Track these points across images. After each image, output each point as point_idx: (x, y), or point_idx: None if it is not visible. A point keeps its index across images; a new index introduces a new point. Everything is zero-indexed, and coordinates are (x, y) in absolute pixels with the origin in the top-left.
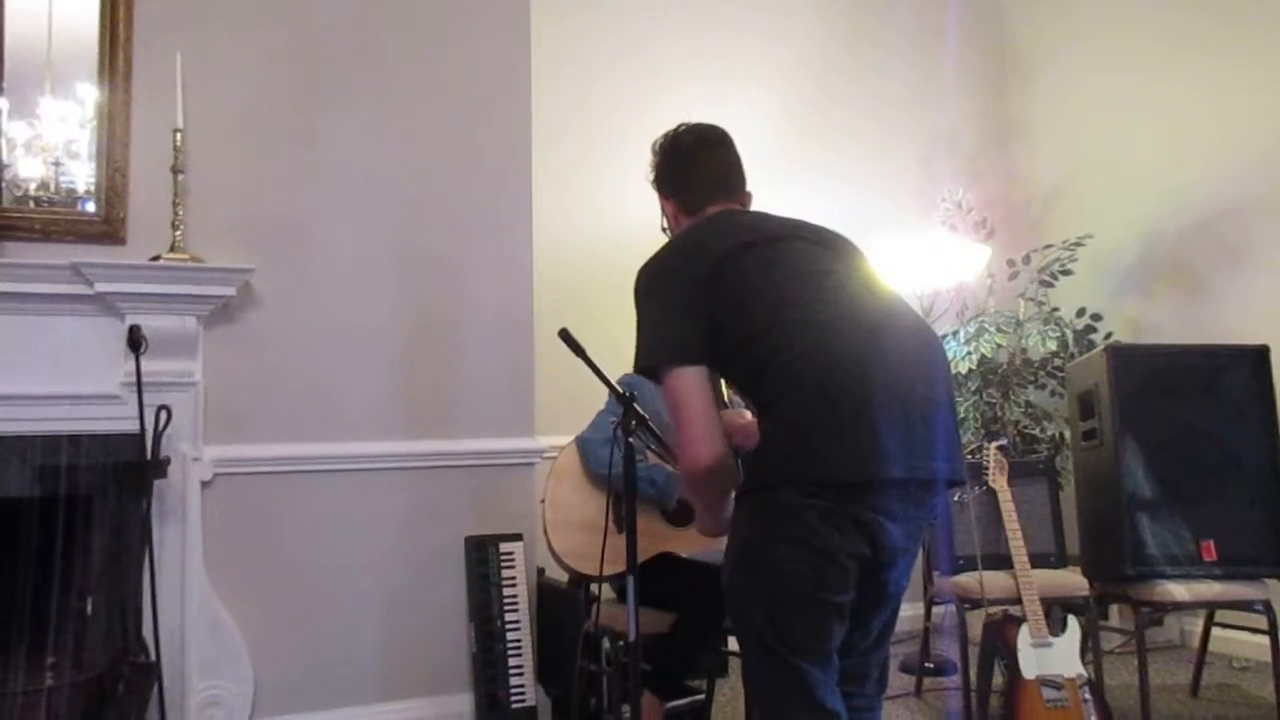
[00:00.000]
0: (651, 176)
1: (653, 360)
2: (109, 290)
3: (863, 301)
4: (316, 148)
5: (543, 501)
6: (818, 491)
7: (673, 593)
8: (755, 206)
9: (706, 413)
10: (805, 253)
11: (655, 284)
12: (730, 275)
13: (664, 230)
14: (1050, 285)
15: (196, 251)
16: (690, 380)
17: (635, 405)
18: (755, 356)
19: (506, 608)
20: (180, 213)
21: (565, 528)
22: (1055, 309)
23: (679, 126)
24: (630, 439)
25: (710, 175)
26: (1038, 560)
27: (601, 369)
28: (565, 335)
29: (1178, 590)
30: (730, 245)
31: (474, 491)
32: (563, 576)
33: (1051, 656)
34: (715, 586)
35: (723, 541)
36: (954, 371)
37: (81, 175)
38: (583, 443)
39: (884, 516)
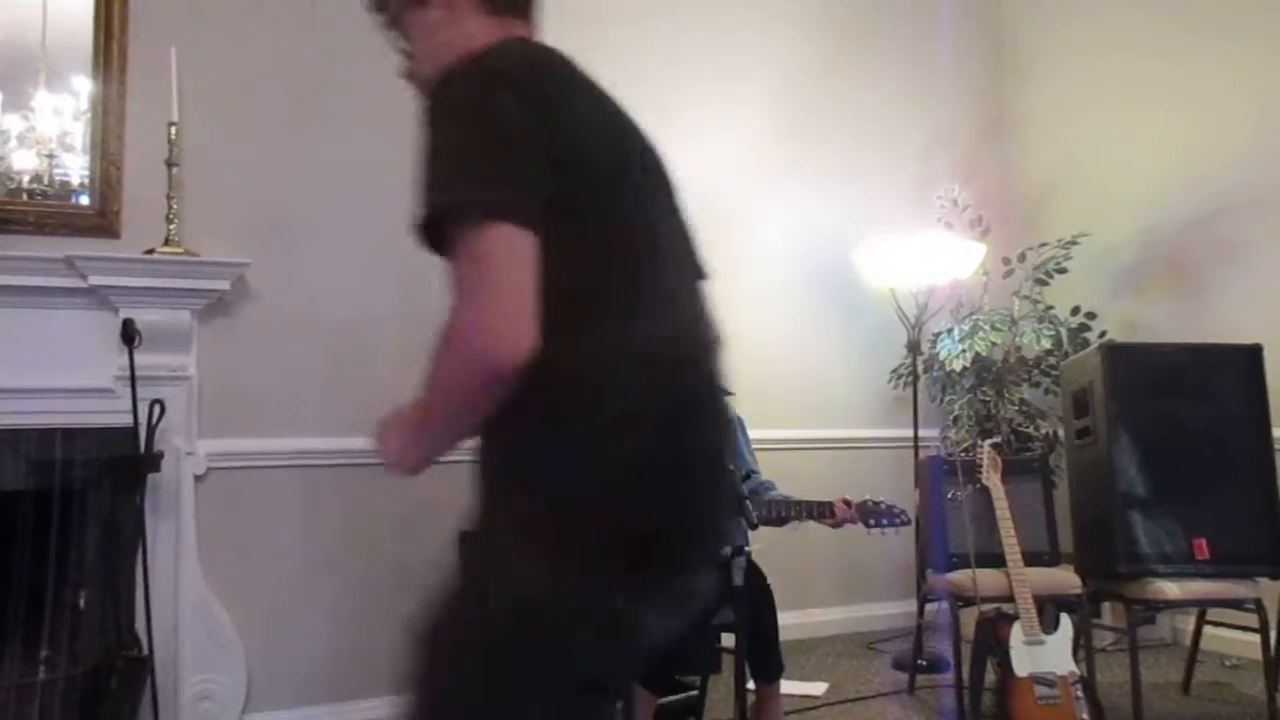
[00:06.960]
0: None
1: (458, 199)
2: (103, 283)
3: (695, 308)
4: (312, 141)
5: None
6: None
7: None
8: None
9: (530, 288)
10: (659, 208)
11: (481, 114)
12: (580, 200)
13: (402, 52)
14: (1045, 283)
15: (191, 245)
16: (518, 243)
17: None
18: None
19: None
20: (175, 206)
21: None
22: (1050, 307)
23: None
24: None
25: None
26: (1031, 558)
27: None
28: None
29: (1170, 588)
30: (600, 156)
31: (470, 487)
32: None
33: (1044, 654)
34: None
35: None
36: (949, 369)
37: (76, 168)
38: None
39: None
